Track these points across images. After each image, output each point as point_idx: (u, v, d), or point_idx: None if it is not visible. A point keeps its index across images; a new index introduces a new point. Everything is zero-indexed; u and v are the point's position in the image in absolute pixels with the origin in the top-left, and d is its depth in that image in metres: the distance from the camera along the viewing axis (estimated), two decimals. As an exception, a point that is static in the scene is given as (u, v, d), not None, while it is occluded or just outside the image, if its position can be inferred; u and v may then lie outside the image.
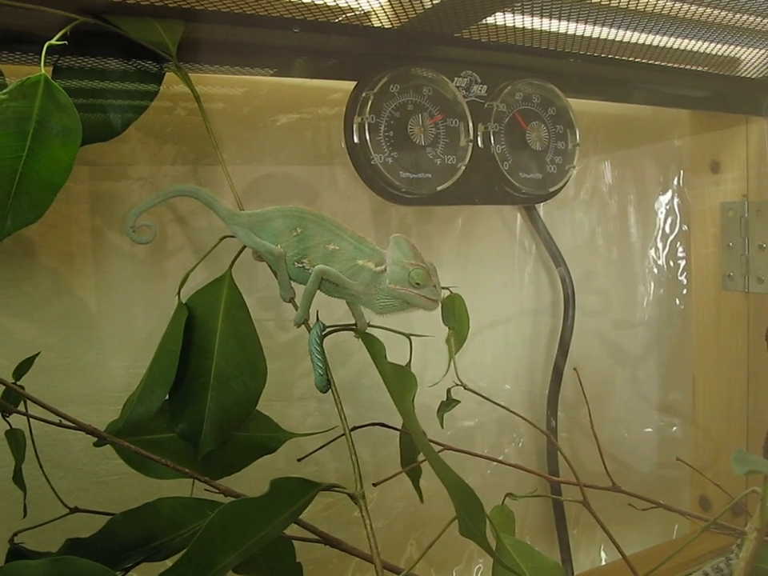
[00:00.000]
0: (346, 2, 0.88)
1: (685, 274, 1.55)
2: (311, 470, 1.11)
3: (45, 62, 0.70)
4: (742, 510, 1.30)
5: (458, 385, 0.89)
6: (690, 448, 1.55)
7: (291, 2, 0.85)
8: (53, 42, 0.71)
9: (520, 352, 1.39)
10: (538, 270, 1.39)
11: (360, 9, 0.91)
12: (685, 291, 1.55)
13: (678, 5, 0.97)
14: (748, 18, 1.04)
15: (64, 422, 0.75)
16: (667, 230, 1.54)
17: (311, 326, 0.78)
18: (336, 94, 1.13)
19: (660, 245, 1.53)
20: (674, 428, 1.56)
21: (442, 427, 0.89)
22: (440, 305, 0.86)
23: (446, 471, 0.66)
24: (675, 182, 1.54)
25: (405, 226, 1.23)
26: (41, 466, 0.80)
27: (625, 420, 1.51)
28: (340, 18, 0.91)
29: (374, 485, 0.88)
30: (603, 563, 1.44)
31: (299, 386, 1.14)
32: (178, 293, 0.82)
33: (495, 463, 1.36)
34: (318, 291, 0.77)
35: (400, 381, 0.71)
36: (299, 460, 0.91)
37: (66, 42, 0.71)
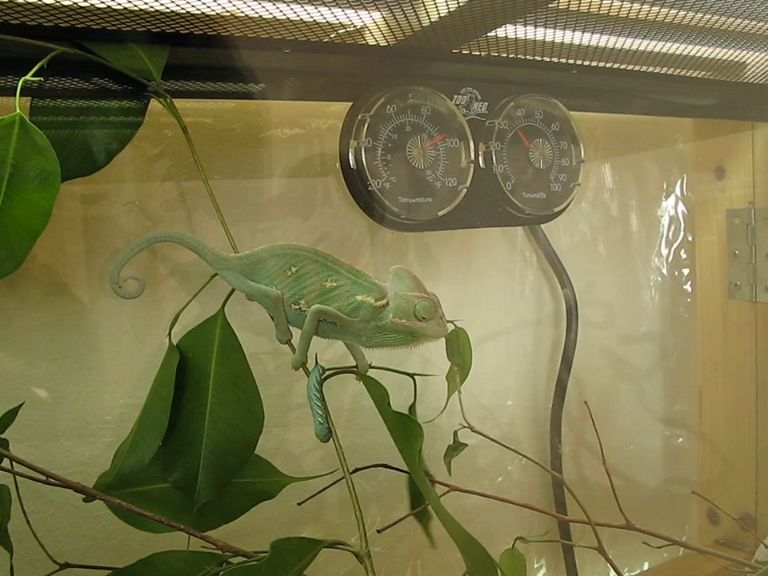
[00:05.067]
0: (337, 19, 0.84)
1: (690, 282, 1.52)
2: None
3: (21, 96, 0.66)
4: (751, 524, 1.29)
5: (464, 427, 0.86)
6: (697, 461, 1.53)
7: (279, 21, 0.81)
8: (28, 77, 0.67)
9: (522, 366, 1.36)
10: (539, 280, 1.36)
11: (352, 25, 0.87)
12: (690, 300, 1.53)
13: (682, 13, 0.93)
14: (752, 24, 1.00)
15: (50, 480, 0.71)
16: (671, 237, 1.51)
17: (310, 370, 0.74)
18: (332, 107, 1.09)
19: (664, 253, 1.50)
20: (680, 440, 1.54)
21: (450, 474, 0.86)
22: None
23: (453, 524, 0.65)
24: (679, 188, 1.51)
25: (402, 238, 1.19)
26: (28, 522, 0.76)
27: (630, 433, 1.48)
28: (332, 36, 0.88)
29: (379, 531, 0.85)
30: (610, 581, 1.42)
31: (296, 411, 1.11)
32: (169, 334, 0.79)
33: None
34: None
35: (405, 430, 0.68)
36: (299, 504, 0.88)
37: (41, 79, 0.67)
